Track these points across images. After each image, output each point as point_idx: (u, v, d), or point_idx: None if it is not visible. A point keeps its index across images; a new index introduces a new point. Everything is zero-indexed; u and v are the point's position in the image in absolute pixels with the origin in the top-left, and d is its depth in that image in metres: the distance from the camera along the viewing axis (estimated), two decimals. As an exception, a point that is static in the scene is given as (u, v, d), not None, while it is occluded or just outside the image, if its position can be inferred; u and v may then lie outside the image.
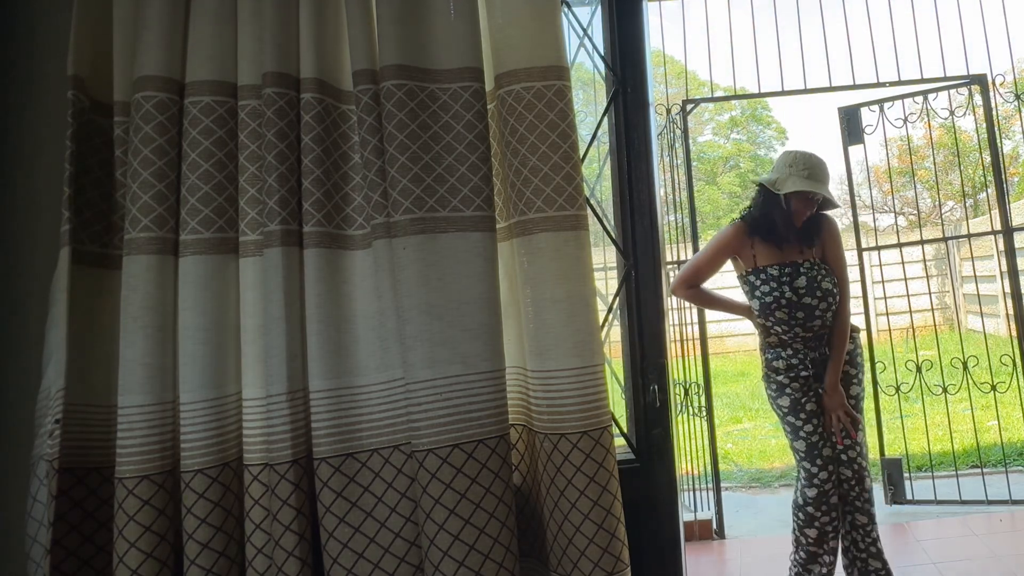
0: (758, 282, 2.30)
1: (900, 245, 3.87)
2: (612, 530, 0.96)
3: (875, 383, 3.69)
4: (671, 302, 3.41)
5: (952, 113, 3.69)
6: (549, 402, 0.99)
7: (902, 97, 3.71)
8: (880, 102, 3.71)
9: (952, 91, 3.65)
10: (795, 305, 2.24)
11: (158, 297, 0.99)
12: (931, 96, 3.66)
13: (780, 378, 2.28)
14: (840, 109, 3.85)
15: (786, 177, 2.28)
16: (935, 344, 3.75)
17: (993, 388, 3.55)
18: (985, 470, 3.65)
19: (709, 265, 2.36)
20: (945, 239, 4.13)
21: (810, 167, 2.28)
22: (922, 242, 3.84)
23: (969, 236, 3.90)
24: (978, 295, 4.79)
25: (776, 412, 2.33)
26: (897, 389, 3.65)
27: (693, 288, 2.38)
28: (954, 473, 3.59)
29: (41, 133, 1.20)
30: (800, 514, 2.26)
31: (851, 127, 3.79)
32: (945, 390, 3.61)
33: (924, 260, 4.03)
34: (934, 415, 4.47)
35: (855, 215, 3.98)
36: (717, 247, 2.36)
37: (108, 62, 1.08)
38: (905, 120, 3.71)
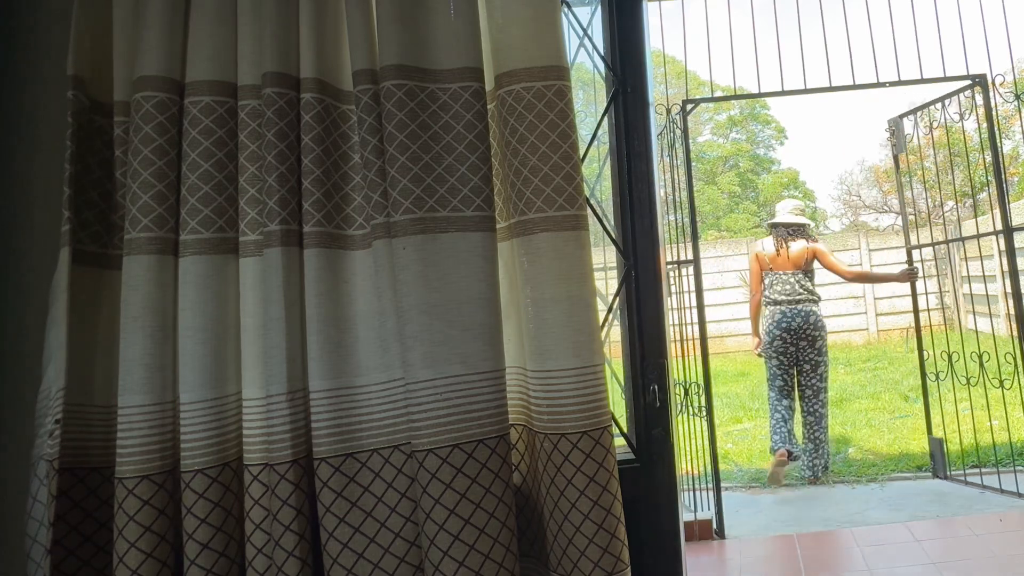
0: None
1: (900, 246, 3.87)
2: (612, 530, 0.96)
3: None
4: (671, 302, 3.41)
5: (962, 117, 3.70)
6: (549, 402, 0.99)
7: (928, 105, 3.89)
8: (915, 111, 3.91)
9: (958, 96, 3.69)
10: None
11: (158, 297, 0.99)
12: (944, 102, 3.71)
13: None
14: (890, 121, 4.15)
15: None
16: (933, 344, 3.75)
17: (1000, 384, 3.58)
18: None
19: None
20: (947, 241, 4.12)
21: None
22: (920, 244, 3.84)
23: (968, 238, 3.89)
24: (973, 295, 4.78)
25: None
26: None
27: None
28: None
29: (41, 133, 1.20)
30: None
31: (898, 136, 4.07)
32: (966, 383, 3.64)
33: (923, 260, 4.04)
34: (934, 415, 4.45)
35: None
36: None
37: (108, 62, 1.08)
38: (916, 124, 3.75)
